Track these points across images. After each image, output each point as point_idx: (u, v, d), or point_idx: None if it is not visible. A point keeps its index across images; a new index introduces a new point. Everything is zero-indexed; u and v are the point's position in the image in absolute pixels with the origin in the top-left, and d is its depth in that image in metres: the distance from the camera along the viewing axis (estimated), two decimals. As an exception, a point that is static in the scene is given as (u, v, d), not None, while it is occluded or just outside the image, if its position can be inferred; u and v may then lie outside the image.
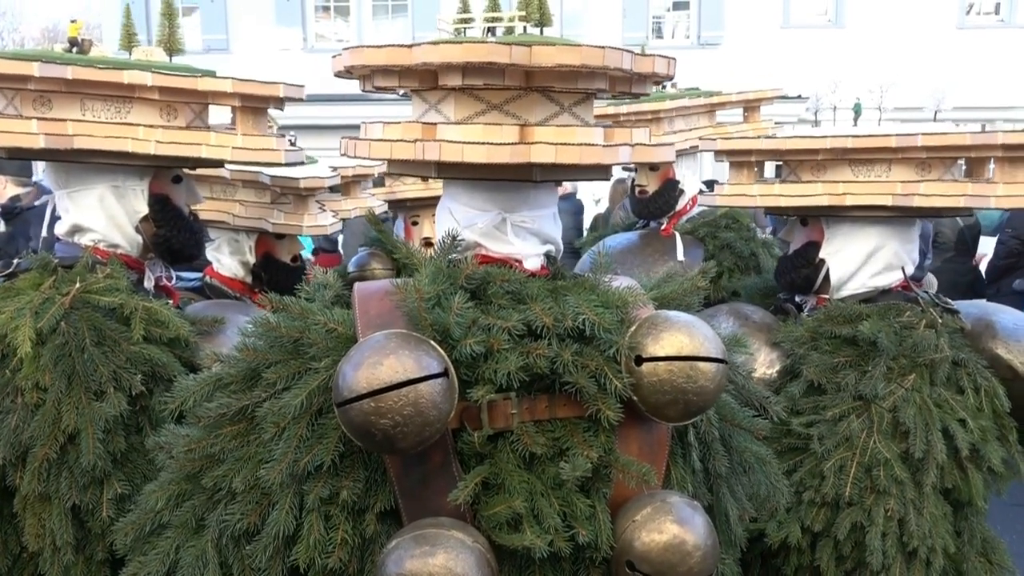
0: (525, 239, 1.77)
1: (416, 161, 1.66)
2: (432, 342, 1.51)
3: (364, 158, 1.73)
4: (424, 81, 1.67)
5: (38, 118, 2.37)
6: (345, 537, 1.53)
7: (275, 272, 3.29)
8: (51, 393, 2.22)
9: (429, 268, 1.66)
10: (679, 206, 3.97)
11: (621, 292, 1.69)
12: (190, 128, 2.49)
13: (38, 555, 2.26)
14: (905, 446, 2.49)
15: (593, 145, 1.63)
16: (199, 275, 3.38)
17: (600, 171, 1.75)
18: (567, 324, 1.59)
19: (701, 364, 1.57)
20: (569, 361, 1.57)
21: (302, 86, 2.55)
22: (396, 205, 4.28)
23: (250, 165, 2.90)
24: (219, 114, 2.58)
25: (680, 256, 3.75)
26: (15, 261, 2.46)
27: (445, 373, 1.48)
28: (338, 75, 1.81)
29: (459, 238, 1.71)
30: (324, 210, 3.44)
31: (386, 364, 1.44)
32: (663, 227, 3.96)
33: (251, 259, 3.31)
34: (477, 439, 1.56)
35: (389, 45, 1.63)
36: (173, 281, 2.77)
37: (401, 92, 1.80)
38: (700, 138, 3.66)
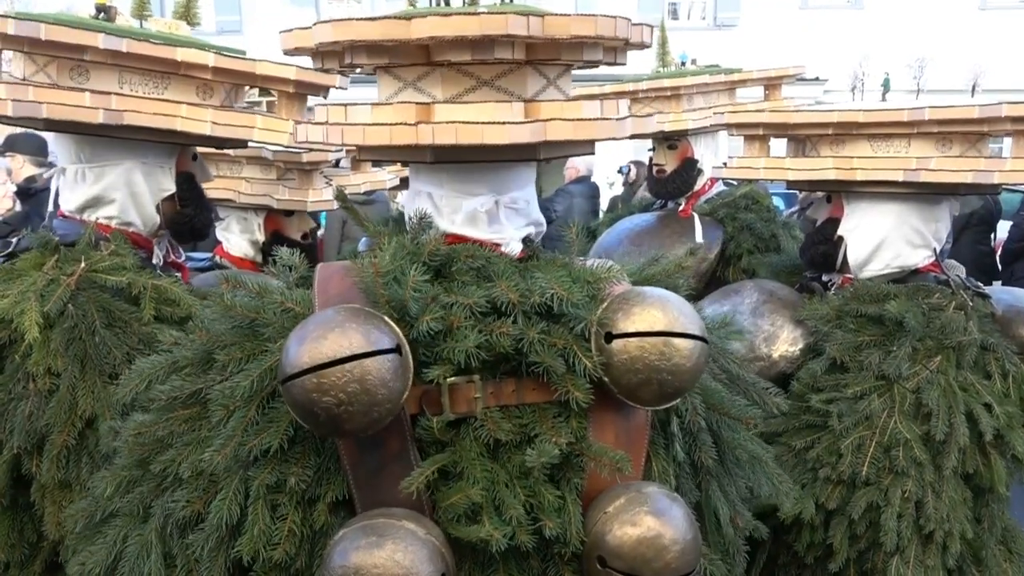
0: (514, 221, 1.66)
1: (406, 146, 1.52)
2: (385, 318, 1.41)
3: (355, 146, 1.60)
4: (413, 57, 1.54)
5: (78, 88, 2.28)
6: (293, 528, 1.43)
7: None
8: (65, 378, 2.16)
9: (391, 245, 1.56)
10: (697, 186, 3.85)
11: (593, 268, 1.58)
12: (223, 108, 2.46)
13: (58, 543, 2.20)
14: (927, 428, 2.42)
15: (607, 119, 1.53)
16: (208, 255, 3.34)
17: (591, 146, 1.65)
18: (534, 300, 1.48)
19: (676, 340, 1.45)
20: (535, 339, 1.46)
21: (347, 76, 2.50)
22: (405, 183, 4.19)
23: (300, 150, 2.90)
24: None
25: (699, 238, 3.64)
26: (13, 240, 2.39)
27: (396, 350, 1.37)
28: (289, 52, 1.68)
29: (427, 219, 1.60)
30: (330, 185, 3.37)
31: (330, 338, 1.34)
32: (681, 208, 3.84)
33: (260, 237, 3.26)
34: (436, 425, 1.45)
35: (383, 17, 1.49)
36: (182, 259, 2.71)
37: (359, 71, 1.68)
38: (715, 113, 3.60)
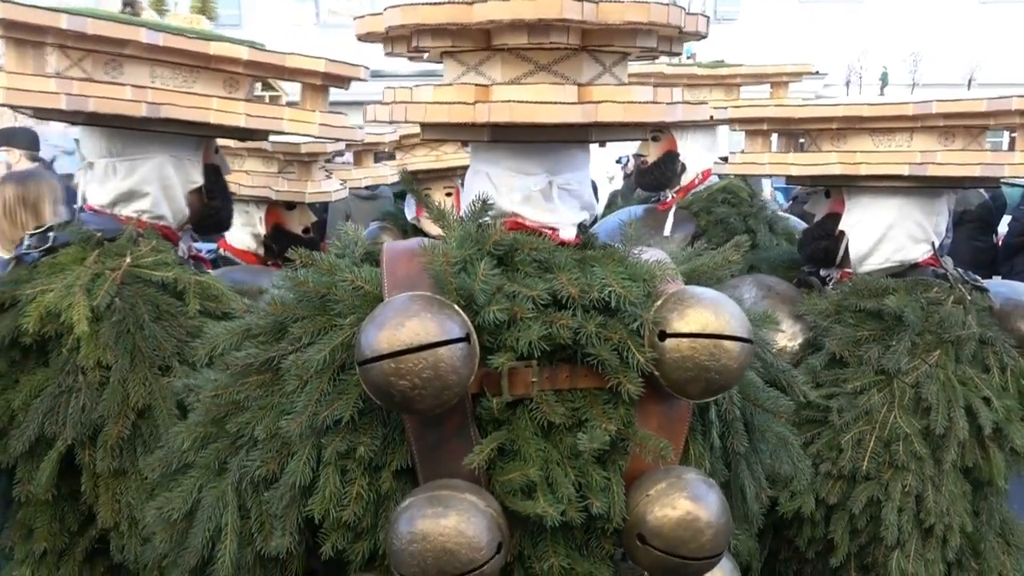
0: (568, 203, 1.74)
1: (466, 124, 1.63)
2: (455, 307, 1.52)
3: (416, 122, 1.70)
4: (475, 41, 1.64)
5: (114, 83, 2.31)
6: (360, 492, 1.55)
7: (286, 243, 3.27)
8: (115, 371, 2.20)
9: (457, 231, 1.65)
10: (685, 180, 3.88)
11: (649, 265, 1.67)
12: (251, 101, 2.51)
13: (104, 531, 2.26)
14: (926, 422, 2.46)
15: (657, 103, 1.61)
16: (212, 247, 3.41)
17: (644, 130, 1.74)
18: (593, 295, 1.58)
19: (725, 343, 1.55)
20: (592, 333, 1.56)
21: (368, 68, 2.63)
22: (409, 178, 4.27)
23: (332, 140, 2.97)
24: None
25: (667, 231, 3.68)
26: (50, 235, 2.40)
27: (466, 338, 1.48)
28: (362, 38, 1.77)
29: (490, 202, 1.69)
30: (330, 177, 3.45)
31: (408, 326, 1.44)
32: (666, 201, 3.89)
33: (261, 230, 3.33)
34: (496, 405, 1.56)
35: (447, 2, 1.59)
36: (203, 252, 2.78)
37: (426, 56, 1.77)
38: (715, 108, 3.60)
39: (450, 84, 1.67)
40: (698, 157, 3.85)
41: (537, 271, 1.62)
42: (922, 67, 2.88)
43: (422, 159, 4.10)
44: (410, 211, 4.25)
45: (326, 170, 3.50)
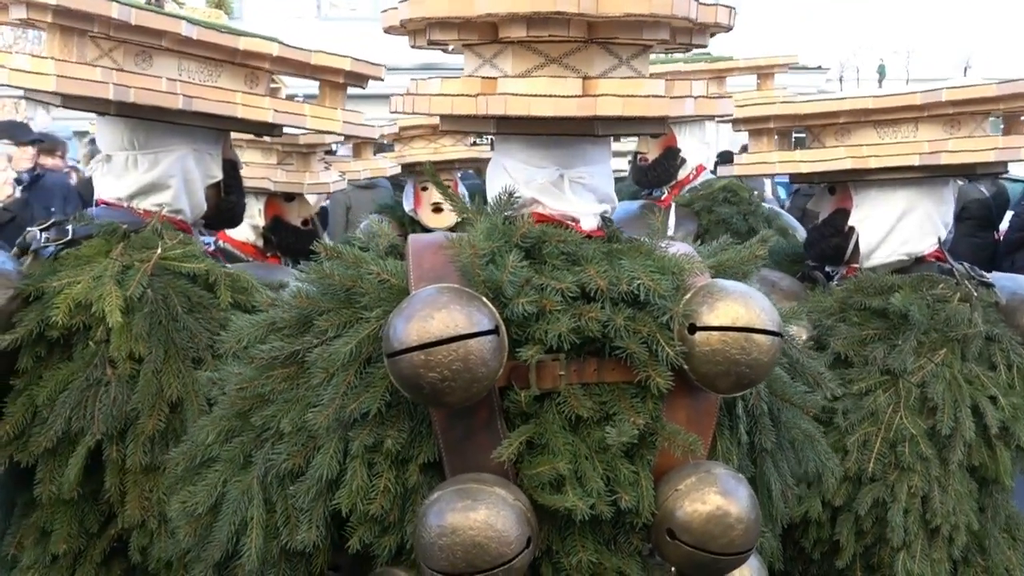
0: (582, 196, 1.73)
1: (474, 116, 1.64)
2: (484, 299, 1.51)
3: (423, 113, 1.72)
4: (482, 34, 1.64)
5: (145, 74, 2.29)
6: (388, 485, 1.54)
7: (285, 235, 3.29)
8: (148, 363, 2.16)
9: (484, 224, 1.65)
10: (681, 175, 3.89)
11: (678, 259, 1.67)
12: (273, 96, 2.51)
13: (126, 531, 2.22)
14: (932, 422, 2.44)
15: (660, 97, 1.60)
16: (209, 240, 3.35)
17: (659, 124, 1.73)
18: (621, 288, 1.58)
19: (756, 336, 1.55)
20: (621, 326, 1.56)
21: (385, 66, 2.66)
22: (406, 170, 4.27)
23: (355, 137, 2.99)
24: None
25: (671, 230, 3.67)
26: (68, 228, 2.35)
27: (496, 331, 1.48)
28: (388, 31, 1.78)
29: (515, 195, 1.68)
30: (328, 169, 3.44)
31: (438, 318, 1.44)
32: (663, 197, 3.90)
33: (261, 222, 3.30)
34: (524, 398, 1.56)
35: None
36: (211, 247, 2.74)
37: (451, 48, 1.77)
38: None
39: (458, 77, 1.67)
40: (695, 151, 3.87)
41: (565, 263, 1.61)
42: (916, 61, 2.87)
43: (420, 151, 4.11)
44: (408, 202, 4.24)
45: (325, 162, 3.49)
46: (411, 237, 1.70)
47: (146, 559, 2.19)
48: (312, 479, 1.55)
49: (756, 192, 4.10)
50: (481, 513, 1.45)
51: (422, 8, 1.61)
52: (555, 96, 1.55)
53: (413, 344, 1.43)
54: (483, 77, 1.63)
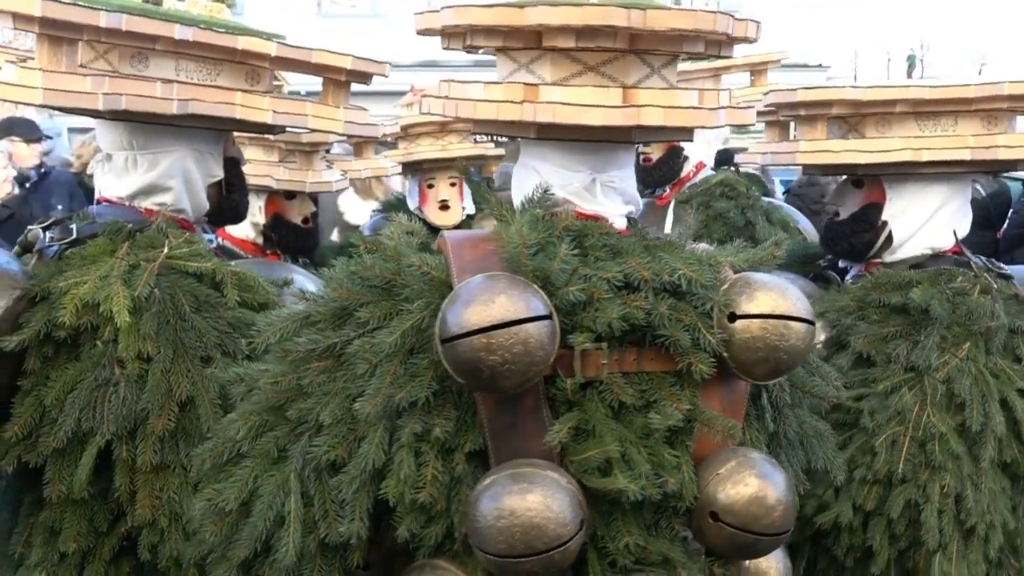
0: (612, 199, 1.79)
1: (513, 122, 1.68)
2: (535, 286, 1.54)
3: (468, 119, 1.76)
4: (527, 41, 1.68)
5: (140, 76, 2.27)
6: (435, 474, 1.56)
7: (285, 233, 3.28)
8: (157, 363, 2.16)
9: (526, 217, 1.68)
10: (683, 173, 3.91)
11: (713, 252, 1.73)
12: (273, 95, 2.49)
13: (135, 530, 2.21)
14: (961, 419, 2.40)
15: (699, 108, 1.66)
16: (209, 237, 3.33)
17: (689, 132, 1.82)
18: (664, 279, 1.62)
19: (793, 324, 1.61)
20: (665, 314, 1.60)
21: (389, 64, 2.64)
22: (411, 167, 4.22)
23: (357, 136, 2.96)
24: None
25: (668, 227, 3.69)
26: (71, 227, 2.33)
27: (550, 316, 1.52)
28: (421, 32, 1.81)
29: (550, 192, 1.72)
30: (331, 167, 3.43)
31: (498, 303, 1.48)
32: (664, 195, 3.91)
33: (261, 220, 3.28)
34: (570, 386, 1.59)
35: (497, 5, 1.65)
36: (214, 245, 2.77)
37: (480, 51, 1.81)
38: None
39: (500, 83, 1.71)
40: (696, 148, 3.87)
41: (608, 255, 1.65)
42: (929, 58, 2.85)
43: (428, 148, 4.06)
44: (413, 200, 4.20)
45: (327, 160, 3.49)
46: (445, 233, 1.74)
47: (156, 557, 2.18)
48: (356, 469, 1.56)
49: (767, 186, 4.06)
50: (537, 495, 1.48)
51: (469, 16, 1.67)
52: (603, 106, 1.60)
53: (473, 328, 1.47)
54: (524, 84, 1.66)
